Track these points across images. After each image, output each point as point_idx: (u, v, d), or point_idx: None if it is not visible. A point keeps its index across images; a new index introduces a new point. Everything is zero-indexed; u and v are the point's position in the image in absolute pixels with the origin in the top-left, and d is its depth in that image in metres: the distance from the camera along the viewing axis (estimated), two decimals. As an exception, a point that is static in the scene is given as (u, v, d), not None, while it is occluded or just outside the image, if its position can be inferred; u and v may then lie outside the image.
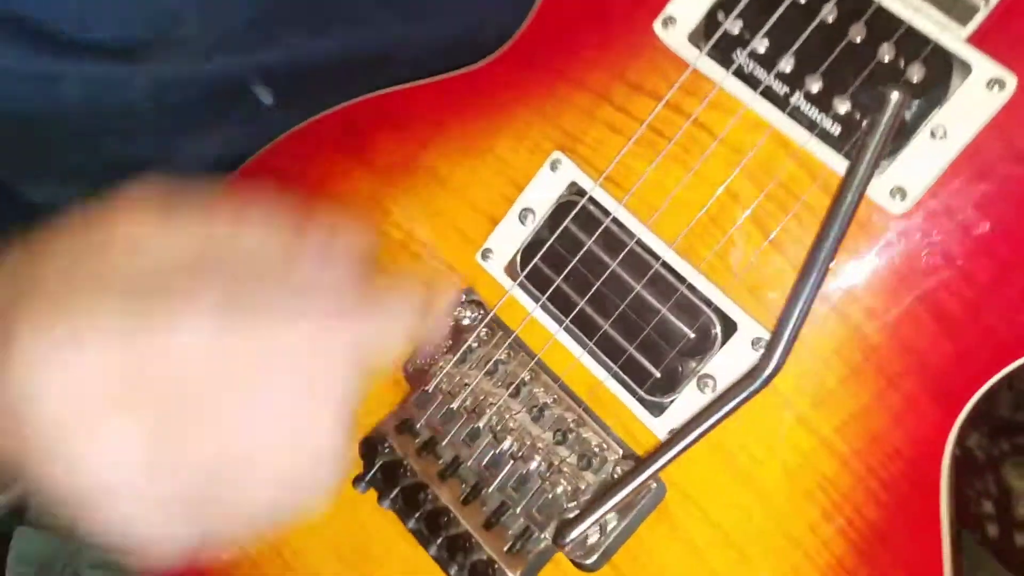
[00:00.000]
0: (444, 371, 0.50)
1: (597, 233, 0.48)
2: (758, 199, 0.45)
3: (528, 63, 0.51)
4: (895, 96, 0.41)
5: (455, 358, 0.50)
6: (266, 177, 0.56)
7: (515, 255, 0.50)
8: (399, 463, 0.51)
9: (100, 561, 0.74)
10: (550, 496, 0.48)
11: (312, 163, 0.56)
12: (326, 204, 0.54)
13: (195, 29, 0.56)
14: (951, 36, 0.42)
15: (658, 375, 0.47)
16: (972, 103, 0.42)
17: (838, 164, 0.44)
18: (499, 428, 0.49)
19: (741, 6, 0.45)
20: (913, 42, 0.42)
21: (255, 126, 0.58)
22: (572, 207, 0.48)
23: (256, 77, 0.59)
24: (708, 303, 0.46)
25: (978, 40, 0.42)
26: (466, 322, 0.51)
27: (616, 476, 0.47)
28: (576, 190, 0.49)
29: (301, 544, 0.55)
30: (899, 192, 0.43)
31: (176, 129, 0.61)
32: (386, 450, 0.51)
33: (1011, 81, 0.41)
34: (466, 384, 0.50)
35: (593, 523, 0.46)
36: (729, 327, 0.46)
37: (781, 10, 0.44)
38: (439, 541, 0.49)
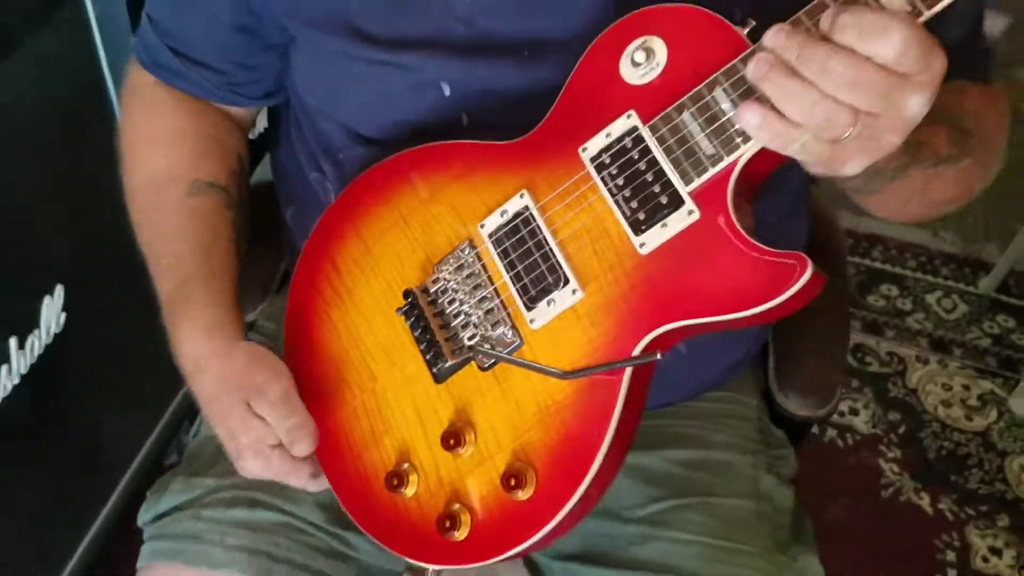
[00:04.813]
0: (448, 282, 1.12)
1: (527, 229, 1.08)
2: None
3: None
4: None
5: (451, 268, 1.11)
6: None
7: (497, 230, 1.10)
8: (418, 306, 1.12)
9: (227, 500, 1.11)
10: (482, 334, 1.08)
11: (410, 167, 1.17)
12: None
13: None
14: (682, 185, 1.00)
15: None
16: (679, 218, 1.00)
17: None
18: (463, 302, 1.10)
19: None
20: (666, 186, 1.01)
21: None
22: (520, 217, 1.08)
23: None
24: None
25: (694, 192, 1.00)
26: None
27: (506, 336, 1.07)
28: (525, 207, 1.09)
29: (359, 342, 1.17)
30: (643, 245, 1.01)
31: None
32: (410, 299, 1.13)
33: (697, 213, 0.99)
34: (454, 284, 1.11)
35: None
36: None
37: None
38: (426, 341, 1.11)
